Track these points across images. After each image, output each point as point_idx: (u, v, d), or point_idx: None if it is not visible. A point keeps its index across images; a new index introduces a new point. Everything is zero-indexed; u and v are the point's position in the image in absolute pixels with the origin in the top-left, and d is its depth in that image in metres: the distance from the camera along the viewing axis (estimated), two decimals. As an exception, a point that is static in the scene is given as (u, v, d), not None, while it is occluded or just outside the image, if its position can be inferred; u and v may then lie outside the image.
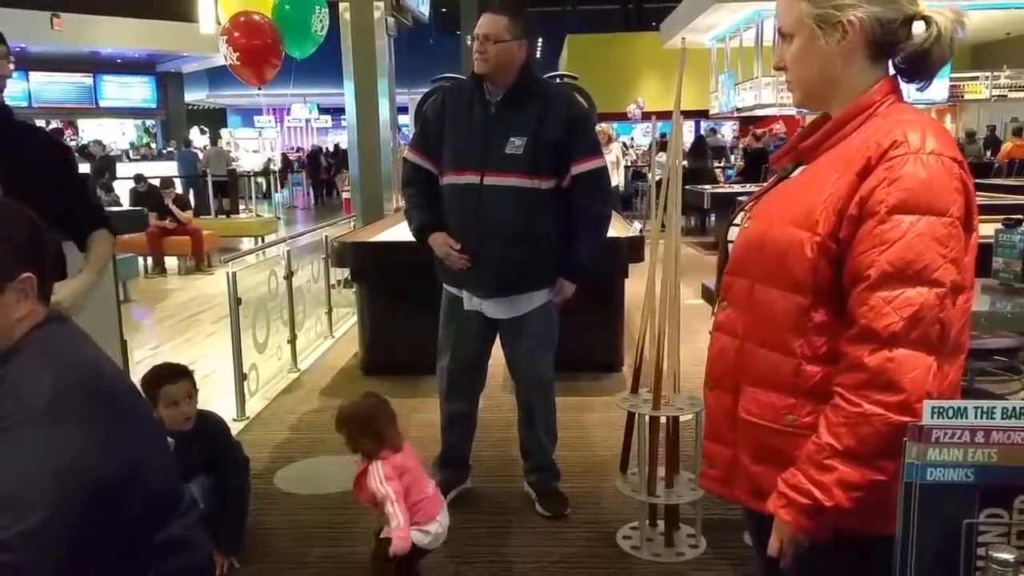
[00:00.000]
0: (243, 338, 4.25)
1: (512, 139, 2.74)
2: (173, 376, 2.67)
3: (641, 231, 4.93)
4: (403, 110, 12.73)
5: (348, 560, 2.72)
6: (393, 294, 4.65)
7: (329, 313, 5.88)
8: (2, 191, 2.00)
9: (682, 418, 2.73)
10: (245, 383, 4.23)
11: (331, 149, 22.38)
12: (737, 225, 1.45)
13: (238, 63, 6.41)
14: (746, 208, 1.44)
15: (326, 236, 5.70)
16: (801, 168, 1.35)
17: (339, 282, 6.16)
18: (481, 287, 2.88)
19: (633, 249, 4.55)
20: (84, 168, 11.84)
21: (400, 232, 5.57)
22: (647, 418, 2.67)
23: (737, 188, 10.66)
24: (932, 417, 1.00)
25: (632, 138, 20.67)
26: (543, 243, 2.81)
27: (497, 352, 3.13)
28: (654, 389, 2.66)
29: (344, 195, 11.18)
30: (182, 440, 2.58)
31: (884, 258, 1.14)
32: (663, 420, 2.71)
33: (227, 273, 4.12)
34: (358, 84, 6.85)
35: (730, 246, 1.44)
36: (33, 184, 2.03)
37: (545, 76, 8.50)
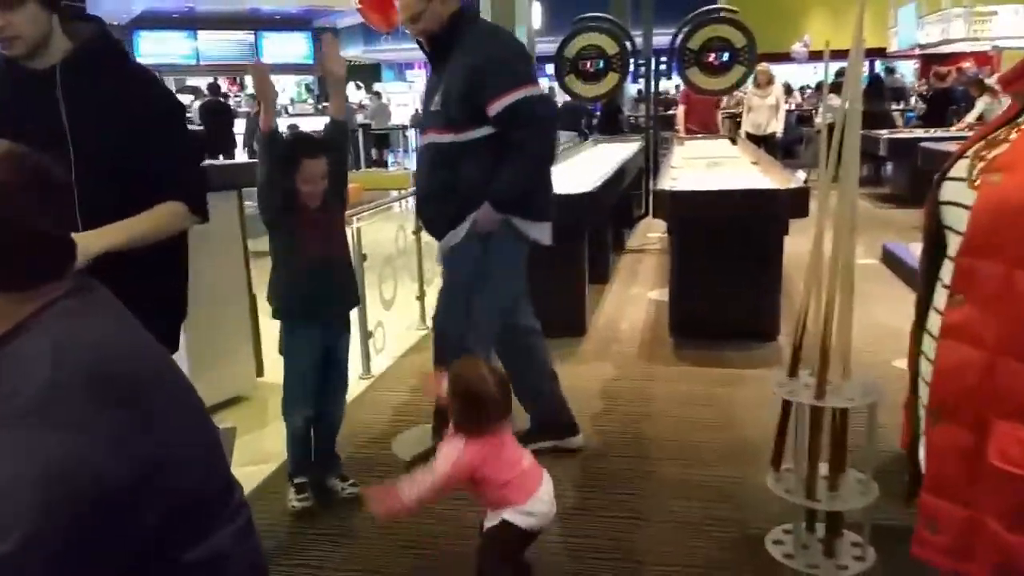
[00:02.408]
0: (369, 294, 4.11)
1: (436, 96, 2.70)
2: (314, 149, 2.49)
3: (806, 181, 4.33)
4: (545, 59, 12.26)
5: (464, 535, 2.47)
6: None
7: (462, 268, 5.67)
8: (72, 150, 1.80)
9: (853, 408, 2.26)
10: (371, 341, 4.10)
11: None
12: (956, 180, 1.00)
13: (361, 6, 6.27)
14: (979, 156, 0.98)
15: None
16: None
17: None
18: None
19: (796, 202, 3.99)
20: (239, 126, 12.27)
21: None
22: (808, 408, 2.22)
23: (919, 133, 9.51)
24: None
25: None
26: (459, 191, 2.69)
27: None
28: (818, 373, 2.20)
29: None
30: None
31: None
32: (828, 411, 2.25)
33: (352, 228, 3.96)
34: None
35: (946, 211, 1.00)
36: (110, 140, 1.82)
37: (700, 10, 7.83)
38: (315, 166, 2.48)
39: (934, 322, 1.02)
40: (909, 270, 2.56)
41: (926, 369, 1.04)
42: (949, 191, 1.02)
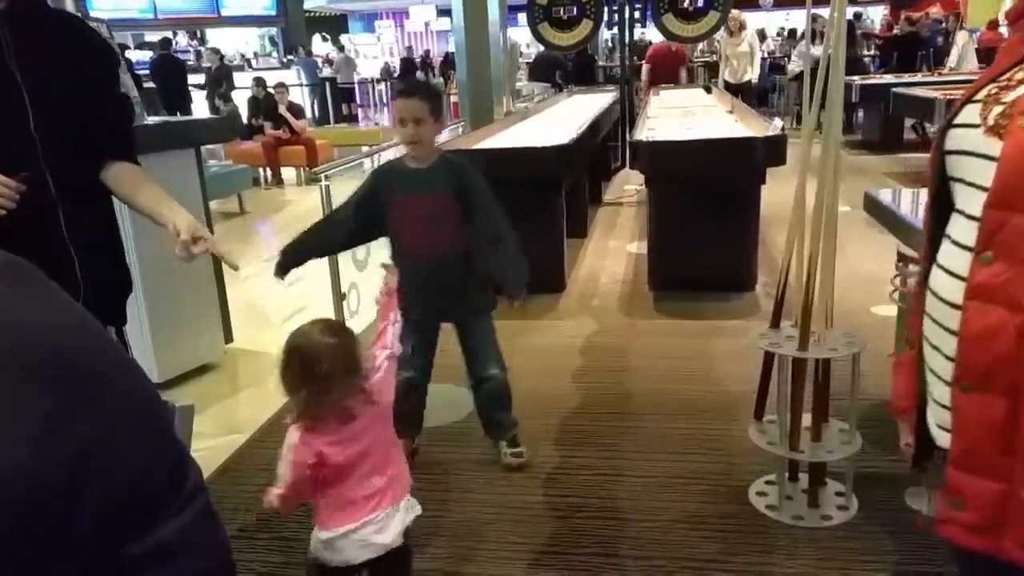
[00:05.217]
0: (342, 256, 4.00)
1: None
2: (408, 91, 2.39)
3: (783, 129, 4.27)
4: (515, 8, 12.00)
5: (461, 498, 2.45)
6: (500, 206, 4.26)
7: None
8: (28, 100, 1.70)
9: (835, 359, 2.24)
10: (344, 303, 4.01)
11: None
12: (966, 127, 0.94)
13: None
14: (994, 100, 0.91)
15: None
16: None
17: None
18: None
19: (772, 150, 3.93)
20: (198, 79, 11.94)
21: (509, 138, 5.15)
22: (790, 359, 2.20)
23: (891, 79, 9.46)
24: None
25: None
26: None
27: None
28: (801, 324, 2.18)
29: (452, 98, 10.72)
30: (413, 177, 2.39)
31: None
32: (811, 362, 2.23)
33: (320, 186, 3.84)
34: (465, -21, 6.38)
35: (955, 161, 0.94)
36: (61, 88, 1.73)
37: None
38: (407, 106, 2.36)
39: (938, 282, 0.97)
40: (891, 216, 2.52)
41: (932, 331, 0.99)
42: (958, 140, 0.95)
